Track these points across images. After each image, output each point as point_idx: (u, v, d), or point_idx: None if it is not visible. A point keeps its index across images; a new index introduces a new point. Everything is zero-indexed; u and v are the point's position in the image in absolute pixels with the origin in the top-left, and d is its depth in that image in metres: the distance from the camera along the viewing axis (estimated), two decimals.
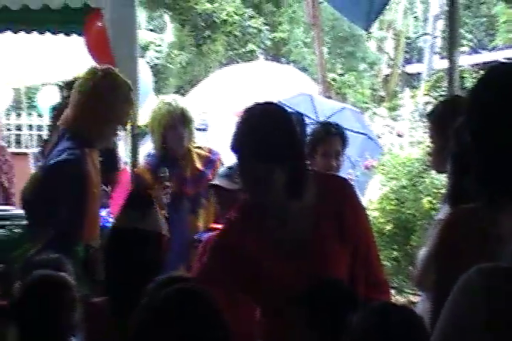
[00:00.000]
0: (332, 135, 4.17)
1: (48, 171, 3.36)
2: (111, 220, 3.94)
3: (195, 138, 4.32)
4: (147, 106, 6.37)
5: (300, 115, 5.18)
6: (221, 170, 3.61)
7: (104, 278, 2.70)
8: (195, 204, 4.11)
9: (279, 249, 2.41)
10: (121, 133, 9.03)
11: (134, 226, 2.62)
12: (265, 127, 2.36)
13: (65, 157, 3.30)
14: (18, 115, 13.56)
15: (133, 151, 4.79)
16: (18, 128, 13.44)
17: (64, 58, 8.49)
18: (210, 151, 4.24)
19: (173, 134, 4.16)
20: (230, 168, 3.37)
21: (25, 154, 8.51)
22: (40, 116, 13.12)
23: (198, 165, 4.16)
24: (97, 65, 3.68)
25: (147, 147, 13.47)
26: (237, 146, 2.41)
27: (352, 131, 5.72)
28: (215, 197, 3.54)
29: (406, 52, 18.29)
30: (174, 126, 4.15)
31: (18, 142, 13.26)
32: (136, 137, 4.77)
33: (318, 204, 2.42)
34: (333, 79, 13.08)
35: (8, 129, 13.24)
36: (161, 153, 4.24)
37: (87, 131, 3.40)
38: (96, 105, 3.40)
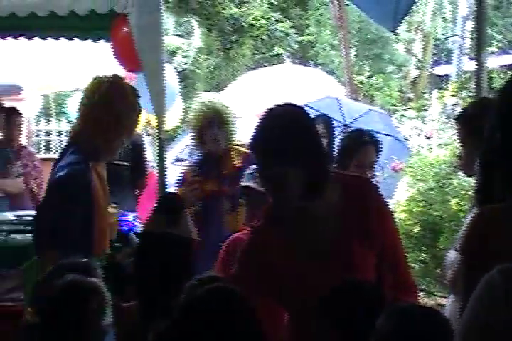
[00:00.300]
0: (367, 144, 4.09)
1: (50, 188, 3.28)
2: (138, 225, 3.95)
3: (235, 137, 4.38)
4: (174, 111, 6.42)
5: (328, 117, 5.19)
6: (251, 170, 3.57)
7: (133, 282, 2.71)
8: (233, 202, 4.07)
9: (303, 250, 2.41)
10: (148, 138, 9.10)
11: (164, 230, 2.64)
12: (281, 128, 2.35)
13: (66, 173, 3.20)
14: (48, 121, 13.71)
15: (159, 156, 4.79)
16: (48, 134, 13.58)
17: (92, 64, 8.56)
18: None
19: (209, 134, 4.28)
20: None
21: (54, 160, 8.59)
22: (69, 122, 13.23)
23: (237, 162, 4.22)
24: (102, 74, 3.51)
25: (175, 151, 13.51)
26: (254, 147, 2.41)
27: (379, 132, 5.69)
28: (245, 199, 3.52)
29: (434, 53, 18.18)
30: (208, 126, 4.27)
31: (47, 148, 13.41)
32: (163, 141, 4.78)
33: (342, 204, 2.42)
34: (361, 82, 13.05)
35: (38, 135, 13.40)
36: (201, 151, 4.37)
37: (93, 144, 3.30)
38: (102, 116, 3.29)
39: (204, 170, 4.30)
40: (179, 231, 2.71)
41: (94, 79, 3.46)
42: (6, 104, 6.16)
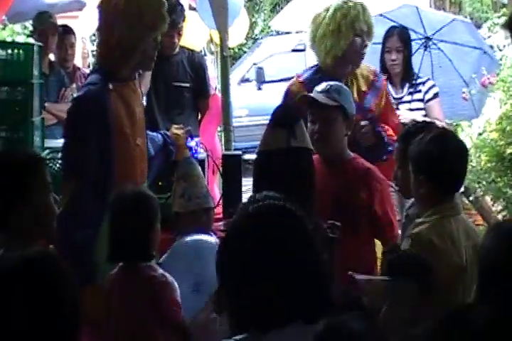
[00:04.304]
0: None
1: (69, 109, 3.21)
2: (200, 150, 3.93)
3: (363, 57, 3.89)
4: (238, 26, 6.33)
5: (405, 29, 5.03)
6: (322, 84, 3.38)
7: None
8: None
9: None
10: (211, 57, 9.05)
11: (284, 145, 2.79)
12: None
13: (82, 93, 3.17)
14: None
15: (223, 75, 4.78)
16: None
17: None
18: (374, 74, 3.96)
19: (333, 42, 3.83)
20: (331, 84, 3.32)
21: None
22: None
23: (363, 87, 3.88)
24: None
25: (241, 71, 13.38)
26: None
27: (465, 45, 5.52)
28: (308, 113, 3.32)
29: None
30: (338, 31, 3.83)
31: None
32: (227, 59, 4.76)
33: None
34: None
35: (94, 56, 13.51)
36: (318, 67, 3.94)
37: (108, 62, 3.19)
38: (111, 30, 3.12)
39: None
40: (298, 143, 2.82)
41: None
42: (59, 21, 6.07)
